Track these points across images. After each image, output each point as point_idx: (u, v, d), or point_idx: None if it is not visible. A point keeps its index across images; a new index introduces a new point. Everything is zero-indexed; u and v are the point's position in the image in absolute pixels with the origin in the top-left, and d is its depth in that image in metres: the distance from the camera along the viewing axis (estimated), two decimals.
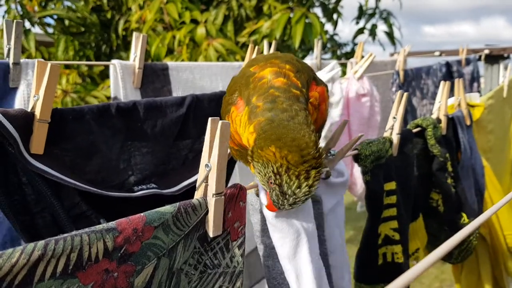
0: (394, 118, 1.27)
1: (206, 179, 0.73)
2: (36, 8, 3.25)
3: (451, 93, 1.75)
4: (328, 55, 4.52)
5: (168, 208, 0.67)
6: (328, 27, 4.40)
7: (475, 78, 3.35)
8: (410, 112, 2.61)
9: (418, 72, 2.73)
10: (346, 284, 1.07)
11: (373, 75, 2.47)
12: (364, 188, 2.16)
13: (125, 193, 1.04)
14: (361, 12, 4.59)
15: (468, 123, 1.71)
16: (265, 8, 3.42)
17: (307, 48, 3.95)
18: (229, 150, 0.99)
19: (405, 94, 1.27)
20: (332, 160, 1.05)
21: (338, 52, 4.54)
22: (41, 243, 0.53)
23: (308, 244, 0.88)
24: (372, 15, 4.56)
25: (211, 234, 0.74)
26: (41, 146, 0.93)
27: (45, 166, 0.91)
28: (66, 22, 3.42)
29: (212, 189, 0.73)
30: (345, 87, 2.07)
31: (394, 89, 2.52)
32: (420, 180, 1.42)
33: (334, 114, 1.91)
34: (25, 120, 0.90)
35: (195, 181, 0.92)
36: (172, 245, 0.68)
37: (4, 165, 0.91)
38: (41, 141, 0.93)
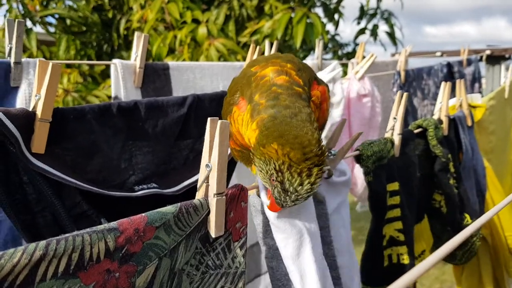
0: (395, 118, 1.27)
1: (207, 179, 0.73)
2: (38, 7, 3.25)
3: (452, 93, 1.75)
4: (329, 55, 4.52)
5: (169, 208, 0.67)
6: (330, 27, 4.39)
7: (476, 78, 3.35)
8: (411, 112, 2.61)
9: (419, 73, 2.73)
10: (356, 285, 1.07)
11: (374, 75, 2.47)
12: (365, 189, 2.17)
13: (126, 193, 1.04)
14: (363, 12, 4.59)
15: (469, 124, 1.71)
16: (266, 8, 3.42)
17: (308, 48, 3.95)
18: (229, 151, 0.99)
19: (405, 94, 1.27)
20: (333, 160, 1.05)
21: (340, 52, 4.54)
22: (42, 243, 0.53)
23: (311, 244, 0.88)
24: (373, 15, 4.55)
25: (213, 235, 0.74)
26: (42, 146, 0.93)
27: (46, 166, 0.91)
28: (68, 21, 3.42)
29: (213, 189, 0.73)
30: (346, 87, 2.07)
31: (395, 89, 2.52)
32: (422, 181, 1.41)
33: (335, 115, 1.90)
34: (26, 120, 0.90)
35: (196, 181, 0.92)
36: (174, 245, 0.67)
37: (5, 164, 0.91)
38: (43, 141, 0.93)
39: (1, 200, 0.90)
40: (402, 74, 2.55)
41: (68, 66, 3.12)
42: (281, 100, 0.79)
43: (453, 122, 1.59)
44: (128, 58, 3.27)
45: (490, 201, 1.83)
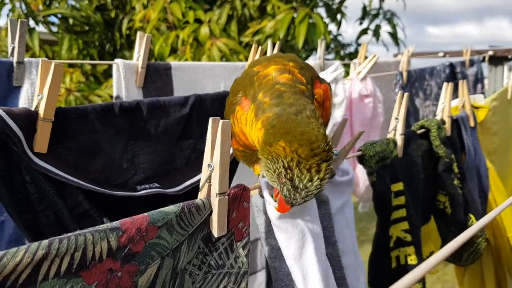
0: (397, 119, 1.27)
1: (209, 179, 0.73)
2: (41, 6, 3.25)
3: (455, 94, 1.74)
4: (331, 56, 4.51)
5: (171, 208, 0.67)
6: (332, 27, 4.40)
7: (479, 79, 3.34)
8: (413, 113, 2.61)
9: (422, 73, 2.73)
10: (362, 285, 1.06)
11: (377, 76, 2.47)
12: (366, 189, 2.17)
13: (128, 192, 1.04)
14: (365, 13, 4.58)
15: (472, 124, 1.71)
16: (268, 8, 3.41)
17: (310, 48, 3.95)
18: (231, 151, 0.99)
19: (406, 94, 1.27)
20: (336, 160, 1.05)
21: (342, 53, 4.53)
22: (45, 242, 0.53)
23: (314, 244, 0.88)
24: (376, 16, 4.55)
25: (215, 234, 0.74)
26: (45, 145, 0.93)
27: (49, 165, 0.91)
28: (70, 21, 3.43)
29: (215, 189, 0.73)
30: (348, 87, 2.07)
31: (397, 90, 2.51)
32: (426, 182, 1.41)
33: (337, 115, 1.91)
34: (29, 119, 0.90)
35: (198, 181, 0.92)
36: (176, 245, 0.67)
37: (8, 163, 0.91)
38: (45, 140, 0.93)
39: (4, 200, 0.90)
40: (404, 74, 2.55)
41: (71, 65, 3.12)
42: (285, 98, 0.79)
43: (456, 122, 1.59)
44: (131, 57, 3.27)
45: (492, 202, 1.82)
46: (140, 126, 1.13)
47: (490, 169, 1.84)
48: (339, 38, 4.55)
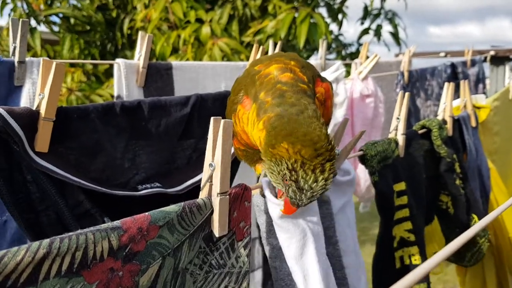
0: (398, 118, 1.27)
1: (210, 178, 0.73)
2: (42, 6, 3.26)
3: (456, 94, 1.74)
4: (332, 56, 4.51)
5: (173, 208, 0.67)
6: (333, 27, 4.38)
7: (480, 79, 3.34)
8: (413, 113, 2.60)
9: (423, 73, 2.72)
10: (363, 285, 1.06)
11: (378, 75, 2.46)
12: (367, 189, 2.17)
13: (129, 192, 1.04)
14: (366, 13, 4.58)
15: (473, 124, 1.71)
16: (270, 7, 3.41)
17: (311, 48, 3.95)
18: (233, 150, 0.99)
19: (407, 94, 1.27)
20: (337, 159, 1.05)
21: (343, 53, 4.53)
22: (46, 241, 0.53)
23: (315, 244, 0.88)
24: (377, 16, 4.54)
25: (216, 234, 0.74)
26: (46, 144, 0.93)
27: (50, 164, 0.91)
28: (72, 20, 3.43)
29: (216, 188, 0.73)
30: (349, 87, 2.07)
31: (398, 90, 2.51)
32: (428, 182, 1.41)
33: (338, 115, 1.90)
34: (30, 118, 0.90)
35: (200, 181, 0.92)
36: (177, 244, 0.67)
37: (9, 163, 0.91)
38: (46, 139, 0.93)
39: (5, 199, 0.90)
40: (406, 74, 2.54)
41: (72, 65, 3.13)
42: (286, 98, 0.79)
43: (458, 122, 1.58)
44: (132, 57, 3.27)
45: (494, 202, 1.82)
46: (141, 125, 1.13)
47: (492, 169, 1.83)
48: (341, 38, 4.55)
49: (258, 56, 1.73)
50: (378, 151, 1.17)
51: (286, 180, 0.75)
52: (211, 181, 0.73)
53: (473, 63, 3.28)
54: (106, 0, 3.58)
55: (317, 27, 3.09)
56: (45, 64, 0.92)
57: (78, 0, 3.42)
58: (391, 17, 4.51)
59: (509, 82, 2.39)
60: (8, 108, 0.87)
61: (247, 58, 2.81)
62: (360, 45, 4.55)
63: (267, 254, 0.92)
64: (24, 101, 1.25)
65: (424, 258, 1.27)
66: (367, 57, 2.31)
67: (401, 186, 1.24)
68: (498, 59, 4.18)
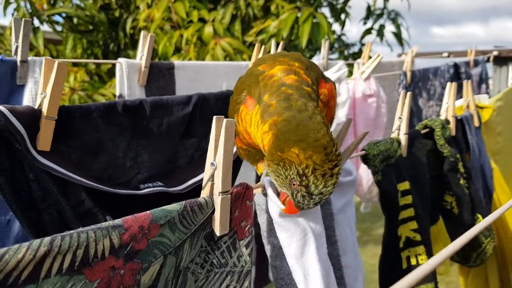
0: (400, 118, 1.26)
1: (212, 177, 0.73)
2: (45, 6, 3.27)
3: (459, 94, 1.73)
4: (335, 55, 4.51)
5: (174, 206, 0.67)
6: (336, 27, 4.39)
7: (483, 79, 3.33)
8: (416, 113, 2.60)
9: (426, 73, 2.71)
10: (360, 285, 1.06)
11: (380, 75, 2.46)
12: (369, 189, 2.16)
13: (131, 191, 1.04)
14: (369, 13, 4.57)
15: (476, 124, 1.70)
16: (272, 7, 3.41)
17: (314, 48, 3.94)
18: (235, 149, 0.99)
19: (409, 93, 1.26)
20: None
21: (346, 52, 4.53)
22: (47, 239, 0.53)
23: (316, 243, 0.87)
24: (380, 16, 4.54)
25: (218, 233, 0.74)
26: (48, 143, 0.93)
27: (52, 163, 0.91)
28: (75, 20, 3.44)
29: (218, 187, 0.72)
30: (352, 87, 2.06)
31: (400, 90, 2.50)
32: (432, 182, 1.40)
33: (341, 115, 1.90)
34: (32, 117, 0.91)
35: (201, 180, 0.92)
36: (179, 243, 0.67)
37: (11, 161, 0.91)
38: (48, 138, 0.93)
39: (7, 197, 0.90)
40: (408, 74, 2.54)
41: (75, 64, 3.14)
42: (292, 101, 0.78)
43: (460, 122, 1.58)
44: (134, 57, 3.27)
45: (497, 202, 1.81)
46: (143, 125, 1.13)
47: (495, 169, 1.83)
48: (343, 38, 4.55)
49: (260, 56, 1.73)
50: (380, 151, 1.17)
51: (295, 184, 0.75)
52: (213, 180, 0.73)
53: (476, 63, 3.27)
54: (109, 0, 3.58)
55: (320, 27, 3.09)
56: (47, 63, 0.93)
57: (81, 0, 3.42)
58: (394, 17, 4.50)
59: None
60: (10, 107, 0.87)
61: (250, 58, 2.81)
62: (362, 45, 4.55)
63: (268, 253, 0.92)
64: (26, 100, 1.25)
65: (430, 258, 1.26)
66: (370, 57, 2.30)
67: (405, 185, 1.23)
68: (501, 59, 4.17)
